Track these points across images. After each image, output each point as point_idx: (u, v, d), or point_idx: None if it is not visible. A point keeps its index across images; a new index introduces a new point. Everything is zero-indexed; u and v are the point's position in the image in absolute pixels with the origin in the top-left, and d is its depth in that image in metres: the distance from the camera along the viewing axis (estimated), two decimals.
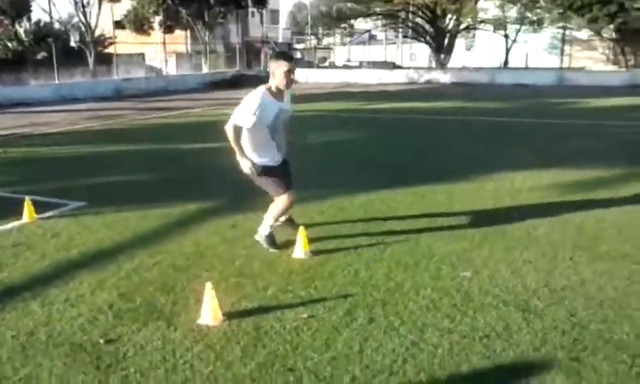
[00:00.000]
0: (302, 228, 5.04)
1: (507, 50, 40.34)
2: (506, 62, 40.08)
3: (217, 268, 4.77)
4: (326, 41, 55.59)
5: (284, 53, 5.27)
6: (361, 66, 41.67)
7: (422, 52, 50.31)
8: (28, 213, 6.11)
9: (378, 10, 39.49)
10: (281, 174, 5.11)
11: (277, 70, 4.80)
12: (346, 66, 43.27)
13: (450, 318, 3.81)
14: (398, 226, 5.89)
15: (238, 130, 4.83)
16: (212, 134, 13.60)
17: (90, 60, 27.64)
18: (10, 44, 36.63)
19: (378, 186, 7.57)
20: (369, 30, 44.19)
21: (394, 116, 17.15)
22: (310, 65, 39.34)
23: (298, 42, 56.97)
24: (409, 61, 52.71)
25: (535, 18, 38.46)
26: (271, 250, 5.09)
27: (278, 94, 4.92)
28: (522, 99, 21.76)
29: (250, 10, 42.25)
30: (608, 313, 3.88)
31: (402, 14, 40.56)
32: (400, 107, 19.27)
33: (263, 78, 21.97)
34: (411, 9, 37.02)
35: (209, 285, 3.82)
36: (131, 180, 8.38)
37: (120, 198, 7.12)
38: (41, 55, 34.43)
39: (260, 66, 38.49)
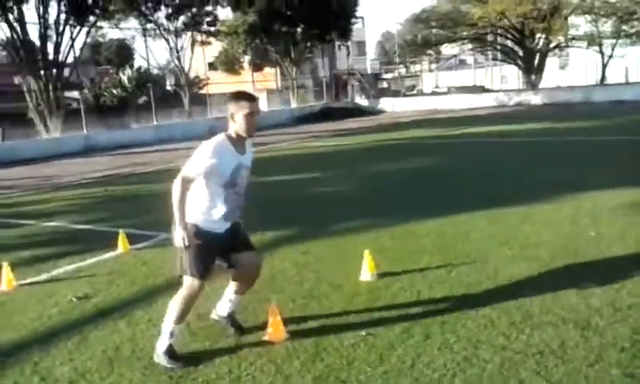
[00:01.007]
0: (367, 251, 5.24)
1: (604, 66, 38.73)
2: (602, 79, 38.49)
3: (286, 290, 5.06)
4: (414, 69, 55.74)
5: (244, 92, 4.08)
6: (449, 91, 41.42)
7: (512, 74, 49.24)
8: (122, 244, 6.70)
9: (464, 34, 39.27)
10: (212, 247, 3.89)
11: (236, 113, 3.78)
12: (434, 93, 43.15)
13: (506, 336, 3.87)
14: (467, 248, 5.96)
15: (186, 186, 3.76)
16: (291, 166, 14.23)
17: (185, 101, 29.26)
18: (114, 91, 39.48)
19: (451, 210, 7.65)
20: (455, 55, 43.83)
21: (477, 140, 17.00)
22: (396, 94, 39.56)
23: (387, 71, 57.43)
24: (499, 83, 51.76)
25: (633, 31, 36.86)
26: (170, 365, 3.78)
27: (239, 144, 3.89)
28: (616, 117, 20.94)
29: (337, 43, 43.29)
30: None
31: (489, 37, 40.13)
32: (484, 131, 19.06)
33: (351, 109, 22.80)
34: (498, 31, 36.48)
35: (274, 304, 4.11)
36: None
37: None
38: (142, 100, 36.88)
39: (347, 98, 39.17)
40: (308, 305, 4.70)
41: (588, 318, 4.07)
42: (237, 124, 3.81)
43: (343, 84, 42.14)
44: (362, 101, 38.64)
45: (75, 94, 39.48)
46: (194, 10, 29.33)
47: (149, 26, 29.49)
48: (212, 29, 32.19)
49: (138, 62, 48.96)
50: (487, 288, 4.80)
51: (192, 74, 33.78)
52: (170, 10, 28.50)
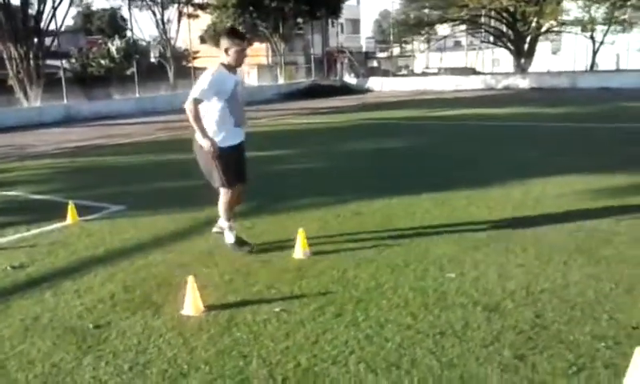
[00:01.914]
0: (300, 229, 5.31)
1: (594, 53, 38.70)
2: (592, 65, 38.46)
3: (219, 265, 5.12)
4: (409, 48, 55.42)
5: (237, 31, 5.31)
6: (439, 72, 41.31)
7: (505, 57, 49.08)
8: (71, 215, 6.74)
9: (455, 15, 39.07)
10: (234, 162, 5.19)
11: (230, 48, 4.88)
12: (424, 74, 43.04)
13: (414, 316, 3.96)
14: (407, 229, 6.04)
15: (197, 106, 4.88)
16: (265, 142, 14.25)
17: (170, 74, 29.07)
18: (102, 61, 39.12)
19: (405, 191, 7.73)
20: (446, 37, 43.61)
21: (456, 123, 17.04)
22: (385, 73, 39.43)
23: (382, 50, 57.15)
24: (491, 66, 51.63)
25: (625, 18, 36.79)
26: (240, 251, 5.32)
27: (231, 70, 5.01)
28: (599, 103, 21.01)
29: (330, 20, 43.00)
30: (576, 314, 3.90)
31: (481, 19, 39.95)
32: (466, 114, 19.09)
33: (338, 87, 22.95)
34: (491, 13, 36.31)
35: (191, 278, 4.17)
36: (174, 186, 8.96)
37: (157, 203, 7.67)
38: (130, 71, 36.63)
39: (336, 76, 39.02)
40: (234, 280, 4.77)
41: (499, 301, 4.16)
42: (230, 57, 4.92)
43: (333, 62, 41.96)
44: (350, 79, 38.51)
45: (63, 62, 39.29)
46: None
47: None
48: (200, 1, 31.87)
49: (135, 32, 48.51)
50: (412, 268, 4.87)
51: (183, 47, 33.55)
52: None
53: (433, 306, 4.10)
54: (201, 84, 4.87)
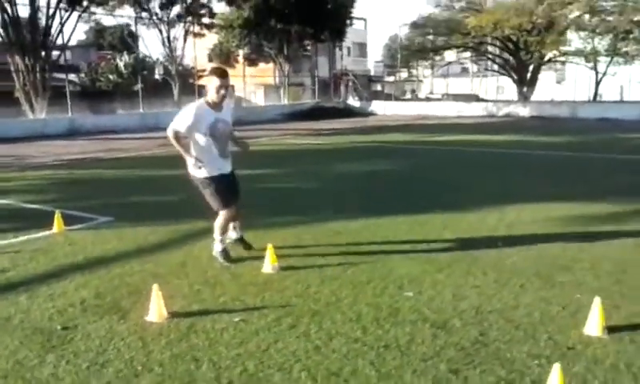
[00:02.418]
0: (270, 245, 5.54)
1: (597, 83, 39.01)
2: (595, 96, 38.75)
3: (190, 276, 5.36)
4: (416, 74, 55.87)
5: (217, 68, 5.48)
6: (442, 98, 41.70)
7: (509, 85, 49.45)
8: (57, 224, 7.00)
9: (457, 42, 39.50)
10: (224, 188, 5.57)
11: (209, 85, 5.31)
12: (427, 99, 43.45)
13: (364, 329, 4.17)
14: (377, 249, 6.26)
15: (176, 135, 5.38)
16: (263, 161, 14.54)
17: (175, 91, 29.54)
18: (110, 76, 39.79)
19: (386, 212, 7.96)
20: (449, 63, 44.04)
21: (452, 148, 17.29)
22: (388, 97, 39.82)
23: (390, 74, 57.71)
24: (495, 94, 52.01)
25: (627, 50, 37.09)
26: (225, 264, 5.61)
27: (215, 107, 5.36)
28: (597, 133, 21.27)
29: (338, 44, 43.54)
30: (519, 334, 4.10)
31: (484, 47, 40.37)
32: (463, 140, 19.35)
33: (341, 110, 23.32)
34: (490, 40, 36.73)
35: (155, 286, 4.41)
36: (162, 200, 9.23)
37: (143, 216, 7.92)
38: (137, 87, 37.24)
39: (339, 98, 39.43)
40: (201, 290, 5.00)
41: (448, 319, 4.36)
42: (210, 93, 5.30)
43: (337, 84, 42.43)
44: (354, 102, 38.93)
45: (73, 76, 39.90)
46: (189, 1, 29.56)
47: (143, 14, 29.74)
48: (206, 21, 32.44)
49: (143, 49, 49.30)
50: (373, 286, 5.08)
51: (191, 65, 34.01)
52: (164, 0, 28.74)
53: (384, 321, 4.31)
54: (180, 116, 5.33)
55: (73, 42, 59.41)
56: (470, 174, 12.11)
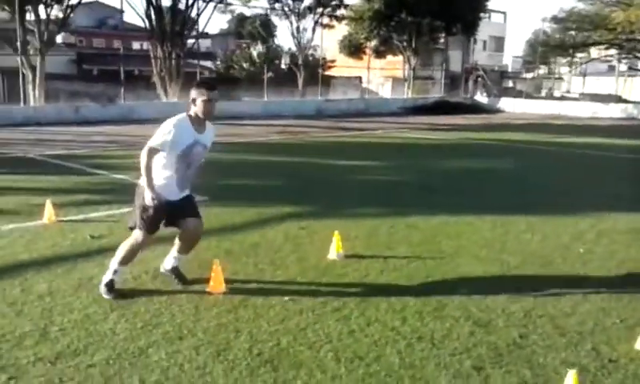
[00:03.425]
0: (336, 232, 5.73)
1: None
2: None
3: (258, 255, 5.70)
4: (557, 71, 53.07)
5: (206, 81, 4.95)
6: (579, 98, 39.35)
7: None
8: None
9: (602, 39, 37.05)
10: (161, 213, 4.58)
11: (197, 98, 4.43)
12: (562, 98, 41.18)
13: (404, 320, 4.26)
14: (450, 245, 6.25)
15: (151, 155, 4.42)
16: (368, 153, 14.73)
17: (300, 81, 30.42)
18: (244, 64, 41.73)
19: (471, 210, 7.87)
20: (588, 61, 41.38)
21: (569, 150, 16.42)
22: (519, 94, 38.26)
23: (528, 70, 55.38)
24: None
25: None
26: (107, 297, 4.54)
27: (198, 124, 4.52)
28: None
29: (471, 37, 42.51)
30: (561, 341, 4.00)
31: (632, 44, 37.52)
32: (584, 142, 18.28)
33: (466, 105, 22.92)
34: (637, 36, 34.08)
35: (216, 261, 4.77)
36: (258, 184, 9.74)
37: (236, 197, 8.45)
38: (268, 75, 38.81)
39: (467, 93, 38.51)
40: (265, 270, 5.31)
41: (493, 318, 4.34)
42: (197, 107, 4.45)
43: (466, 79, 41.45)
44: (482, 98, 37.84)
45: (209, 63, 42.34)
46: None
47: (277, 5, 30.90)
48: (336, 13, 33.02)
49: (281, 39, 51.08)
50: (433, 280, 5.14)
51: (322, 55, 34.91)
52: None
53: (426, 315, 4.37)
54: (160, 133, 4.41)
55: (215, 31, 63.17)
56: (580, 178, 11.51)
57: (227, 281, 4.80)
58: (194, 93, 4.47)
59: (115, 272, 4.63)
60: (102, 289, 4.60)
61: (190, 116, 4.51)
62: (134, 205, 4.67)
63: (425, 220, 7.34)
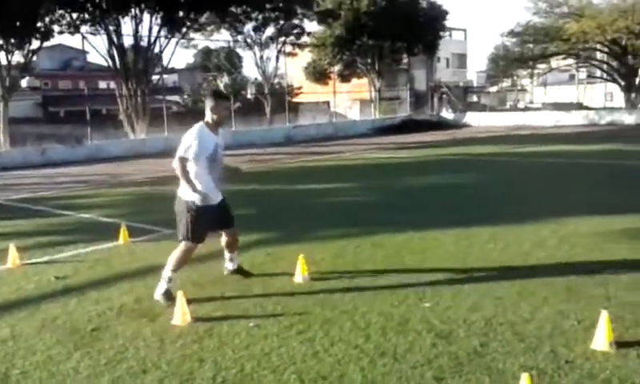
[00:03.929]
0: (301, 256, 5.79)
1: None
2: None
3: (225, 285, 5.72)
4: (520, 83, 54.04)
5: (219, 92, 5.71)
6: (542, 107, 40.21)
7: (618, 91, 46.85)
8: (123, 237, 7.64)
9: (559, 49, 38.02)
10: (204, 221, 5.27)
11: (216, 107, 5.22)
12: (526, 108, 42.03)
13: (367, 337, 4.32)
14: (415, 261, 6.37)
15: (184, 163, 5.14)
16: (336, 176, 14.85)
17: (267, 109, 30.61)
18: None
19: (436, 225, 7.98)
20: (547, 71, 42.38)
21: (534, 160, 16.79)
22: (483, 108, 38.97)
23: (492, 84, 56.41)
24: (603, 101, 49.33)
25: None
26: (164, 303, 5.11)
27: (213, 129, 5.28)
28: None
29: (433, 56, 43.26)
30: (520, 346, 4.09)
31: (588, 53, 38.61)
32: (548, 151, 18.70)
33: (432, 122, 23.33)
34: (594, 45, 35.07)
35: (180, 293, 4.79)
36: None
37: None
38: (235, 106, 38.92)
39: (430, 111, 39.08)
40: (232, 297, 5.34)
41: (455, 329, 4.42)
42: (215, 115, 5.26)
43: (431, 96, 42.09)
44: (447, 114, 38.44)
45: (176, 98, 42.35)
46: (281, 22, 30.62)
47: (239, 37, 31.16)
48: (299, 41, 33.43)
49: (247, 69, 51.39)
50: (394, 296, 5.20)
51: (290, 83, 35.19)
52: (257, 23, 29.97)
53: (389, 330, 4.44)
54: (186, 142, 5.13)
55: (181, 66, 63.24)
56: (543, 186, 11.78)
57: (192, 312, 4.82)
58: (212, 102, 5.28)
59: (170, 280, 5.25)
60: (160, 298, 5.17)
61: (207, 123, 5.28)
62: (178, 218, 5.34)
63: (390, 238, 7.43)
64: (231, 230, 5.70)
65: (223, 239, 5.76)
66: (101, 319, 4.90)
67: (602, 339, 4.01)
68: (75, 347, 4.34)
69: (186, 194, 5.24)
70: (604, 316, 4.03)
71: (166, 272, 5.26)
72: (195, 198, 5.16)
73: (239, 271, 5.88)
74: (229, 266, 5.90)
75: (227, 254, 5.86)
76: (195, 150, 5.12)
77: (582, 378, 3.63)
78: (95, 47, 41.76)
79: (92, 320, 4.88)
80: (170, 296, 5.12)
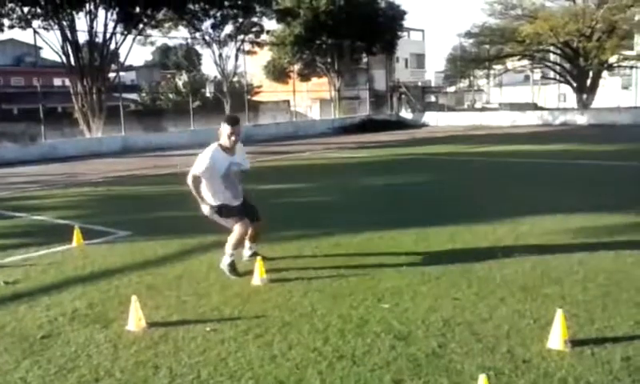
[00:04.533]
0: (259, 258, 5.73)
1: None
2: None
3: (181, 288, 5.60)
4: (477, 83, 54.90)
5: (230, 117, 6.12)
6: (499, 108, 40.95)
7: (571, 92, 48.09)
8: (76, 239, 7.43)
9: (510, 50, 38.74)
10: (235, 210, 5.93)
11: (222, 132, 5.82)
12: (483, 109, 42.77)
13: (326, 340, 4.28)
14: (373, 262, 6.35)
15: (197, 180, 5.78)
16: (295, 175, 14.80)
17: (227, 107, 30.33)
18: (170, 95, 41.21)
19: (395, 225, 7.99)
20: (503, 72, 43.11)
21: (488, 159, 17.07)
22: (442, 108, 39.46)
23: (451, 84, 57.17)
24: (557, 102, 50.63)
25: None
26: (232, 277, 5.81)
27: (228, 150, 5.82)
28: None
29: (392, 56, 43.53)
30: (477, 347, 4.11)
31: (541, 54, 39.47)
32: (503, 150, 19.02)
33: (391, 122, 23.46)
34: (547, 47, 35.88)
35: (134, 298, 4.66)
36: (185, 215, 9.47)
37: (160, 230, 8.29)
38: (195, 104, 38.46)
39: (389, 110, 39.37)
40: (187, 301, 5.23)
41: (413, 330, 4.41)
42: (222, 139, 5.81)
43: (390, 96, 42.39)
44: (406, 114, 38.78)
45: (133, 96, 41.60)
46: (240, 20, 30.37)
47: (197, 34, 30.78)
48: (258, 39, 33.25)
49: (207, 67, 50.71)
50: (353, 298, 5.17)
51: (249, 81, 34.89)
52: (215, 20, 29.66)
53: (348, 333, 4.41)
54: (199, 162, 5.72)
55: (140, 63, 62.19)
56: (499, 185, 11.96)
57: (148, 316, 4.71)
58: (221, 127, 5.86)
59: (232, 255, 5.86)
60: (227, 269, 5.84)
61: (220, 145, 5.82)
62: (219, 221, 5.98)
63: (349, 238, 7.42)
64: (255, 224, 6.13)
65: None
66: (52, 325, 4.74)
67: (557, 338, 4.06)
68: (24, 356, 4.18)
69: (204, 209, 5.89)
70: (559, 314, 4.08)
71: (228, 248, 5.88)
72: (205, 209, 5.86)
73: (254, 255, 6.09)
74: (246, 253, 6.27)
75: (247, 243, 6.24)
76: (209, 169, 5.68)
77: (539, 377, 3.66)
78: (48, 43, 40.31)
79: (43, 326, 4.71)
80: (234, 268, 5.87)
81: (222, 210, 5.88)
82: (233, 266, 5.90)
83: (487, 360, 3.90)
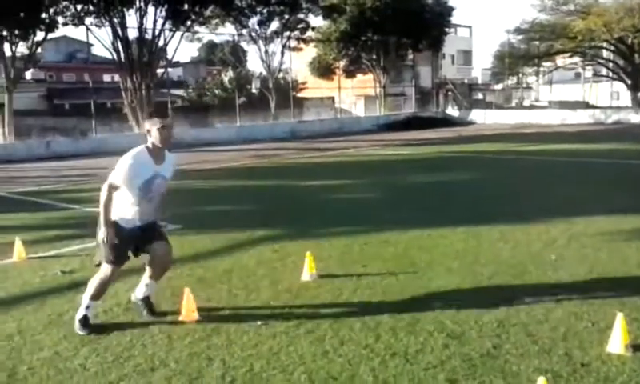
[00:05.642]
0: (308, 253, 5.72)
1: None
2: None
3: (232, 281, 5.66)
4: (526, 81, 53.88)
5: (157, 108, 4.80)
6: (549, 106, 40.08)
7: (625, 91, 46.65)
8: None
9: (565, 47, 37.87)
10: (125, 241, 4.50)
11: (151, 127, 4.38)
12: (532, 107, 41.90)
13: (377, 337, 4.25)
14: (424, 259, 6.27)
15: (111, 191, 4.40)
16: (341, 172, 14.80)
17: (272, 104, 30.54)
18: (216, 91, 41.73)
19: (444, 223, 7.90)
20: (553, 69, 42.24)
21: (536, 158, 16.71)
22: (489, 105, 38.84)
23: (498, 81, 56.26)
24: (609, 100, 49.13)
25: None
26: (81, 333, 4.44)
27: (157, 155, 4.47)
28: None
29: (437, 53, 43.13)
30: (533, 348, 4.02)
31: (594, 51, 38.45)
32: (554, 149, 18.62)
33: (437, 120, 23.32)
34: (600, 44, 34.90)
35: (187, 290, 4.73)
36: (232, 210, 9.72)
37: (209, 224, 8.40)
38: (241, 101, 38.85)
39: (435, 108, 38.96)
40: (238, 295, 5.28)
41: (467, 330, 4.35)
42: (152, 136, 4.43)
43: (437, 93, 41.99)
44: (452, 111, 38.31)
45: (180, 92, 42.29)
46: (286, 17, 30.53)
47: (244, 31, 31.09)
48: (304, 36, 33.37)
49: (252, 63, 51.21)
50: (407, 295, 5.14)
51: (294, 78, 35.05)
52: (262, 17, 29.90)
53: (400, 330, 4.37)
54: (119, 168, 4.38)
55: (186, 59, 63.13)
56: (550, 185, 11.68)
57: (200, 309, 4.77)
58: (147, 124, 4.45)
59: (87, 307, 4.54)
60: (76, 325, 4.51)
61: (147, 148, 4.47)
62: (96, 240, 4.56)
63: (397, 235, 7.37)
64: (158, 255, 4.74)
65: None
66: (107, 315, 4.85)
67: (617, 342, 3.93)
68: (82, 343, 4.29)
69: (99, 234, 4.49)
70: (619, 318, 3.96)
71: (85, 298, 4.55)
72: (99, 235, 4.44)
73: (146, 302, 4.83)
74: (140, 290, 4.86)
75: (147, 279, 4.83)
76: (126, 178, 4.36)
77: (599, 381, 3.56)
78: (100, 39, 41.30)
79: (99, 315, 4.82)
80: (86, 324, 4.48)
81: (109, 232, 4.38)
82: (85, 322, 4.48)
83: (544, 362, 3.81)
